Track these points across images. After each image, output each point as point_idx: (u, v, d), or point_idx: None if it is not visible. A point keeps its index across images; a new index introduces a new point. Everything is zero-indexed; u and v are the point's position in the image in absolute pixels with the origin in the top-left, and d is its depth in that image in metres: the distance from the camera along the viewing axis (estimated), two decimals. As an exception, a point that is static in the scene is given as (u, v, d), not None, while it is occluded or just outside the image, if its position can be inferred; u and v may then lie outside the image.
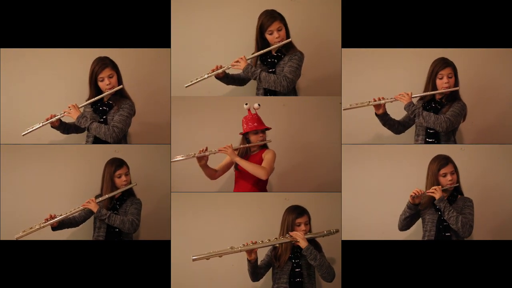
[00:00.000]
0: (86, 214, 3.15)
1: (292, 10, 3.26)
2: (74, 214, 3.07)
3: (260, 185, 3.11)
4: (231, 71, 3.20)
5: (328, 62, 3.30)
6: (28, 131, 3.09)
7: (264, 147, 3.15)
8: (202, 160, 3.07)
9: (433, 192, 2.96)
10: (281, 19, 3.11)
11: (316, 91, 3.34)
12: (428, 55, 3.12)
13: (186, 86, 3.11)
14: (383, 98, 3.08)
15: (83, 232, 3.21)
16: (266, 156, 3.09)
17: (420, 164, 3.13)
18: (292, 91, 3.17)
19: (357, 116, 3.13)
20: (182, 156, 3.04)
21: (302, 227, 2.97)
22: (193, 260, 2.84)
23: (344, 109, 3.14)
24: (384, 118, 3.14)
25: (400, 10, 3.18)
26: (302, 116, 3.33)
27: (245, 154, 3.12)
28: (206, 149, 3.05)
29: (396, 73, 3.31)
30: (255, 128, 3.08)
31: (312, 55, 3.20)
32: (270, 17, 3.09)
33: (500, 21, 3.18)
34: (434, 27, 3.19)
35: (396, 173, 3.27)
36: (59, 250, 3.13)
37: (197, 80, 3.11)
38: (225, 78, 3.19)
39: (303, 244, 2.90)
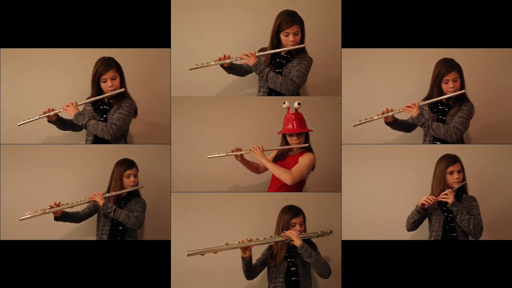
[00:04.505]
0: (90, 211, 3.15)
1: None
2: (78, 210, 3.09)
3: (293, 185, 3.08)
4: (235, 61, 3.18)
5: (328, 62, 3.30)
6: (25, 121, 3.08)
7: (307, 149, 3.10)
8: (237, 157, 3.08)
9: (445, 198, 2.95)
10: (301, 24, 3.07)
11: (316, 91, 3.34)
12: (428, 55, 3.12)
13: (190, 69, 3.09)
14: (391, 110, 3.07)
15: (86, 232, 3.22)
16: (301, 160, 3.06)
17: (420, 164, 3.13)
18: (294, 90, 3.17)
19: (357, 116, 3.12)
20: (218, 153, 3.05)
21: (297, 227, 2.97)
22: (188, 255, 2.87)
23: (354, 125, 3.09)
24: (394, 124, 3.14)
25: (400, 10, 3.18)
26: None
27: (281, 154, 3.12)
28: (239, 149, 3.06)
29: (396, 73, 3.30)
30: (287, 131, 3.06)
31: (312, 55, 3.19)
32: (291, 20, 3.05)
33: (504, 21, 3.18)
34: (434, 27, 3.18)
35: (396, 173, 3.27)
36: (59, 250, 3.13)
37: (203, 65, 3.09)
38: (229, 68, 3.16)
39: (297, 242, 2.90)
